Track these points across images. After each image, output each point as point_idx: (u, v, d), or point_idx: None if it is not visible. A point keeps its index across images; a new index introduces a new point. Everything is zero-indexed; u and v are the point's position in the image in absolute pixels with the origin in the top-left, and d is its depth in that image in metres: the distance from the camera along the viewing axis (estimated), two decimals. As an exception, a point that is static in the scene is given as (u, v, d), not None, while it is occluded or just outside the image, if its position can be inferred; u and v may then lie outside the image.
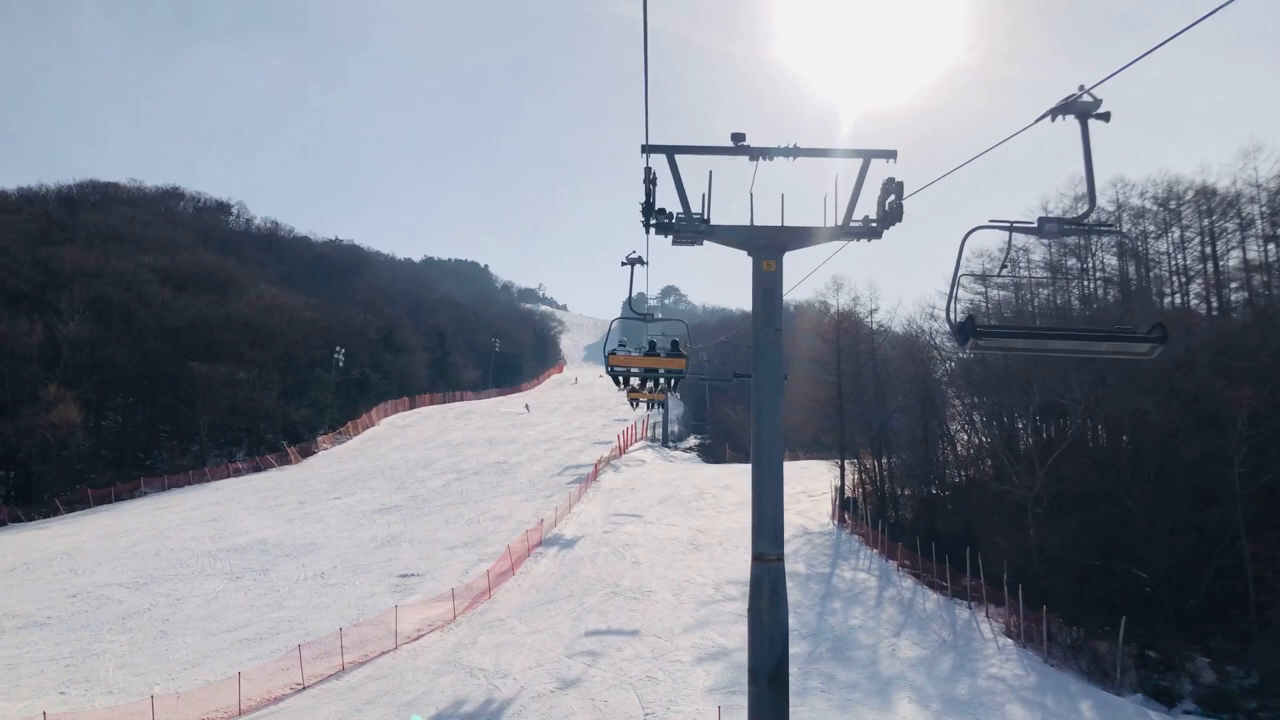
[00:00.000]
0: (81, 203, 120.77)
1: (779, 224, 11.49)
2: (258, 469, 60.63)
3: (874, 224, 11.31)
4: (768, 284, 11.26)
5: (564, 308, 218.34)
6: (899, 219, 11.05)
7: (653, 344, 19.33)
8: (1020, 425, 34.94)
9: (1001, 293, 53.19)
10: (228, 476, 58.77)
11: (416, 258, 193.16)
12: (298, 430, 68.11)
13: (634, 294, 17.57)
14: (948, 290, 8.07)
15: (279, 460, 61.92)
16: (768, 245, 11.34)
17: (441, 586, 29.69)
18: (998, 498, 30.60)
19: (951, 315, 7.69)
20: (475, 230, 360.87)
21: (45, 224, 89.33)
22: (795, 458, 69.49)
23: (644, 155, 11.22)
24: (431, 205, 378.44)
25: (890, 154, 11.17)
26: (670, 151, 11.25)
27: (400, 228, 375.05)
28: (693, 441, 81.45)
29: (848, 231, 11.47)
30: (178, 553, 35.03)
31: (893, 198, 11.02)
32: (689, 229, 11.40)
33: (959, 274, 7.77)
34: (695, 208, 11.36)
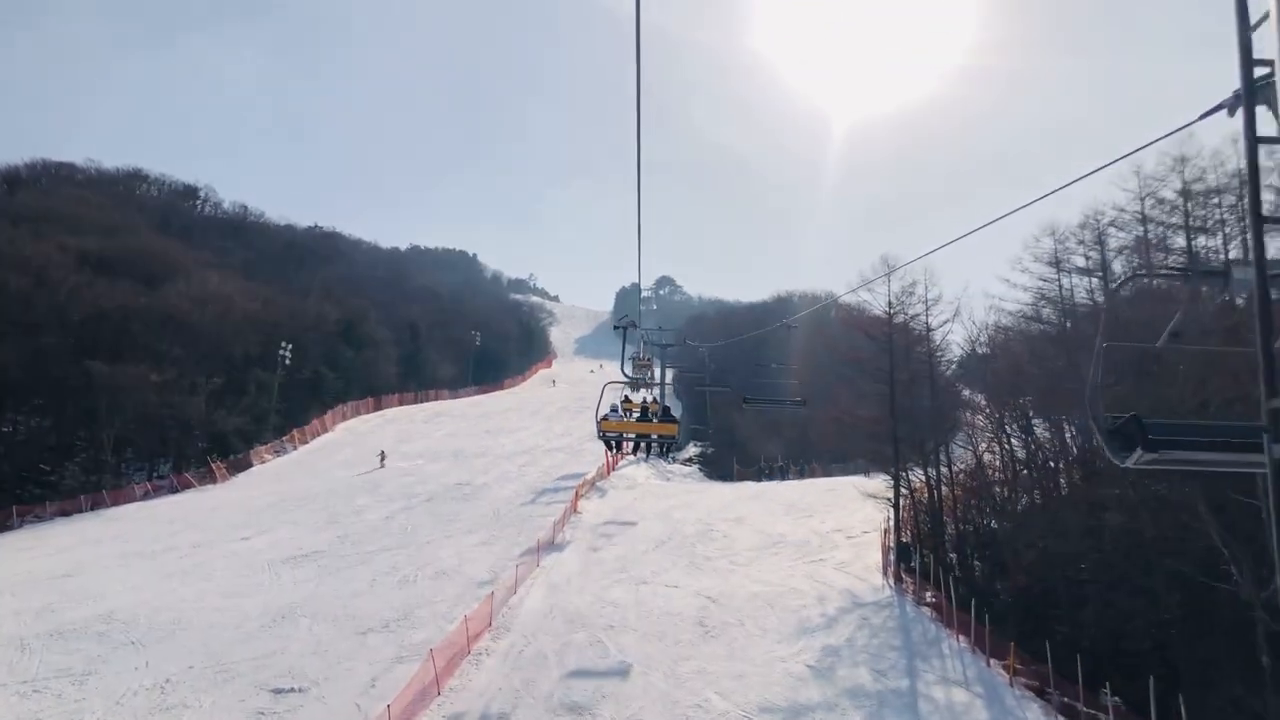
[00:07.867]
0: (29, 182, 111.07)
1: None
2: (174, 490, 50.48)
3: None
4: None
5: (555, 298, 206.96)
6: None
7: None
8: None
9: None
10: (135, 500, 48.68)
11: (403, 246, 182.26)
12: (230, 441, 57.86)
13: (626, 356, 21.60)
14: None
15: (201, 479, 51.77)
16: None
17: (327, 713, 19.68)
18: (1190, 589, 20.14)
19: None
20: (466, 219, 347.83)
21: (-35, 203, 78.92)
22: (813, 473, 59.94)
23: None
24: (423, 194, 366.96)
25: None
26: None
27: (391, 217, 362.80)
28: (693, 451, 71.20)
29: None
30: (-24, 640, 24.90)
31: None
32: None
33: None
34: None
